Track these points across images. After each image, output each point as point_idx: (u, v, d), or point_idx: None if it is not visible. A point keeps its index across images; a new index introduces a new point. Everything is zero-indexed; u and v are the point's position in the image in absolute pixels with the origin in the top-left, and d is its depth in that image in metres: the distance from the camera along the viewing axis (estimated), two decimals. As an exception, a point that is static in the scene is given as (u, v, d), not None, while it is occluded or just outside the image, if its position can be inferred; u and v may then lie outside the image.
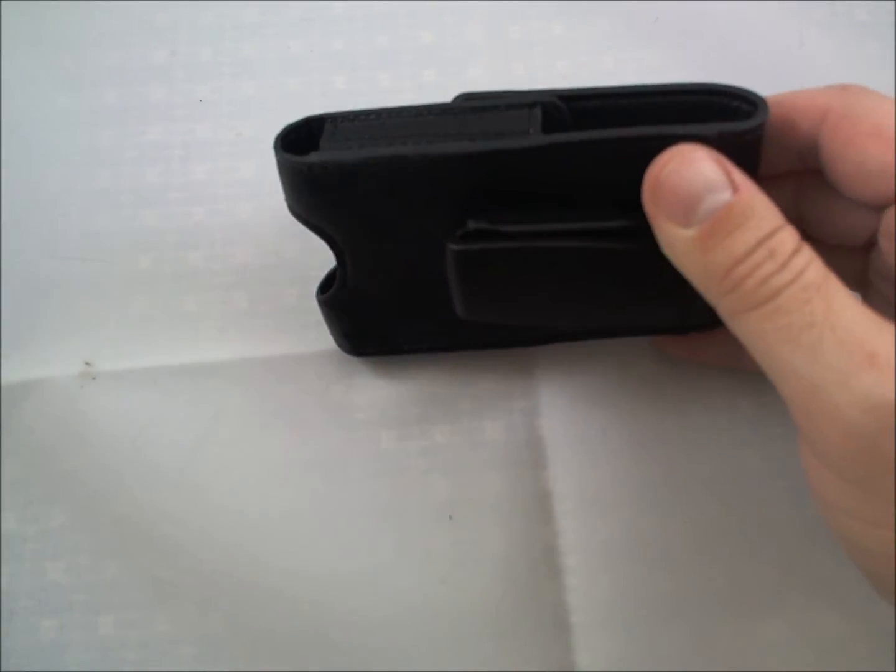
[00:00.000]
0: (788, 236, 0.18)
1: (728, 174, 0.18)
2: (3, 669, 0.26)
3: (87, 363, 0.29)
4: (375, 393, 0.29)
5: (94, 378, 0.29)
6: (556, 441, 0.28)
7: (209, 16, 0.36)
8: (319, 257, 0.30)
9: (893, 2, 0.34)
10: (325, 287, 0.27)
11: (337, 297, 0.26)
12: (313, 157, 0.21)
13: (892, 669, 0.25)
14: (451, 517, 0.27)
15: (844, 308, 0.17)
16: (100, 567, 0.27)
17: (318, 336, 0.29)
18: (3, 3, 0.35)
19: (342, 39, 0.35)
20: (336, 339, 0.28)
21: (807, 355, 0.17)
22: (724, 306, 0.19)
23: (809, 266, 0.18)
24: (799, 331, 0.17)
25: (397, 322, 0.27)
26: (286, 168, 0.22)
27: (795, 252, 0.18)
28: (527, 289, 0.23)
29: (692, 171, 0.19)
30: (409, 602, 0.27)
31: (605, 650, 0.26)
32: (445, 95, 0.33)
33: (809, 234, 0.24)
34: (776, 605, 0.26)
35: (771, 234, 0.18)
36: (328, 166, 0.21)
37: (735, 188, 0.18)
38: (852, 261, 0.24)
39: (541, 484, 0.28)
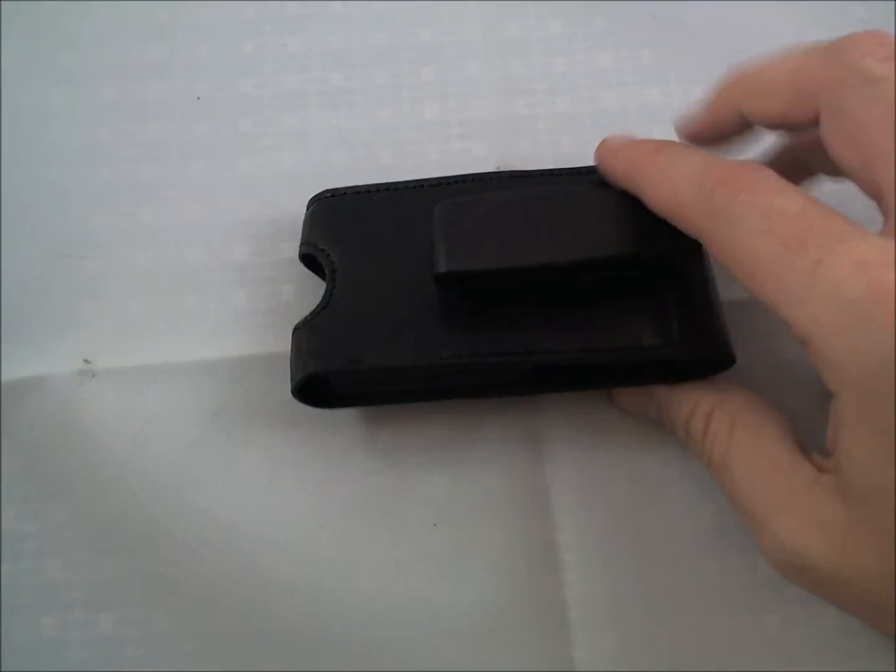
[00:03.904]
0: None
1: None
2: (2, 667, 0.26)
3: (86, 360, 0.29)
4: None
5: (93, 376, 0.29)
6: (554, 436, 0.28)
7: (207, 13, 0.36)
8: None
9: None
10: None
11: (317, 318, 0.26)
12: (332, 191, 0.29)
13: (892, 669, 0.25)
14: (449, 514, 0.28)
15: None
16: (99, 564, 0.27)
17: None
18: (2, 1, 0.35)
19: (340, 37, 0.35)
20: (299, 375, 0.26)
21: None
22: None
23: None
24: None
25: (370, 341, 0.26)
26: (319, 203, 0.29)
27: None
28: (505, 228, 0.25)
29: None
30: (407, 599, 0.27)
31: (604, 646, 0.26)
32: (443, 93, 0.34)
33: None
34: (774, 601, 0.26)
35: None
36: (347, 192, 0.29)
37: None
38: None
39: (539, 479, 0.28)
